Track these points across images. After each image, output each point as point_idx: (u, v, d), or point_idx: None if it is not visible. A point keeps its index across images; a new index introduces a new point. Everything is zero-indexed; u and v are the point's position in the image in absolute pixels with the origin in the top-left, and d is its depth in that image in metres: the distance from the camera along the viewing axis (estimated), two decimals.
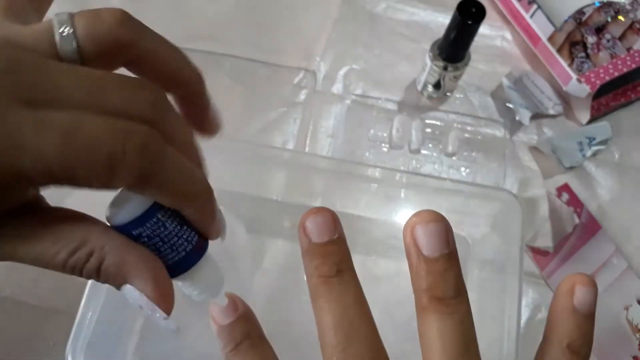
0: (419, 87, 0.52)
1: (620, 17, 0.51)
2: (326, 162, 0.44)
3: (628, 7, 0.51)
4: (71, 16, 0.20)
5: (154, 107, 0.19)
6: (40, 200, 0.21)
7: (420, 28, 0.56)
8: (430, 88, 0.51)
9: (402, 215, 0.45)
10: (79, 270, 0.19)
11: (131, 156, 0.18)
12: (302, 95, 0.52)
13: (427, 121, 0.52)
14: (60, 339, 0.36)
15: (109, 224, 0.21)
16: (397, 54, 0.54)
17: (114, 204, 0.21)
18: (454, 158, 0.51)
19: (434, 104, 0.53)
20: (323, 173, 0.44)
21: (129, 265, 0.20)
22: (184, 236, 0.22)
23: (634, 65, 0.49)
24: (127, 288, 0.20)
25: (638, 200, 0.49)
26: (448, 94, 0.53)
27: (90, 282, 0.37)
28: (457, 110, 0.52)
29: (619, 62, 0.49)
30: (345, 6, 0.56)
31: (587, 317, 0.21)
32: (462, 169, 0.50)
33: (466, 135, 0.51)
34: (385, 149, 0.51)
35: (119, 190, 0.20)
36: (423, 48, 0.51)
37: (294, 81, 0.53)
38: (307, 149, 0.50)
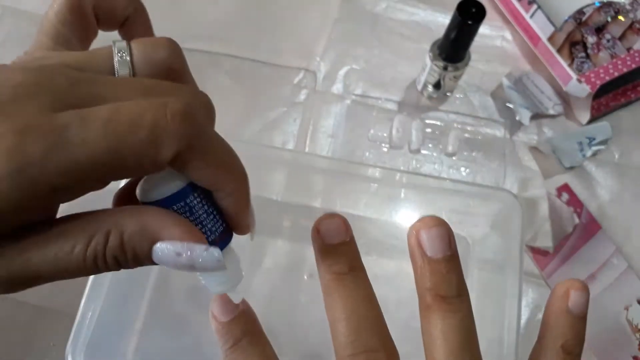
0: (419, 87, 0.52)
1: (621, 17, 0.51)
2: (326, 162, 0.44)
3: (628, 7, 0.51)
4: (129, 44, 0.21)
5: (207, 108, 0.21)
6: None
7: (420, 28, 0.56)
8: (430, 88, 0.51)
9: (402, 215, 0.45)
10: (102, 258, 0.19)
11: (174, 122, 0.18)
12: (302, 95, 0.52)
13: (427, 121, 0.52)
14: (60, 339, 0.36)
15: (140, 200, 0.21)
16: (397, 54, 0.54)
17: (147, 181, 0.21)
18: (454, 158, 0.51)
19: (434, 104, 0.53)
20: (323, 173, 0.44)
21: (150, 224, 0.19)
22: (211, 224, 0.21)
23: (634, 65, 0.49)
24: (158, 248, 0.19)
25: (638, 200, 0.49)
26: (448, 94, 0.53)
27: (90, 282, 0.37)
28: (457, 110, 0.52)
29: (619, 62, 0.49)
30: (345, 6, 0.56)
31: (581, 319, 0.23)
32: (462, 169, 0.50)
33: (466, 135, 0.51)
34: (385, 149, 0.51)
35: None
36: (423, 48, 0.51)
37: (294, 81, 0.53)
38: (307, 149, 0.50)
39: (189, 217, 0.21)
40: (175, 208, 0.20)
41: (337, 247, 0.24)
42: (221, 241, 0.22)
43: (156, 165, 0.18)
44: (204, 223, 0.21)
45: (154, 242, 0.19)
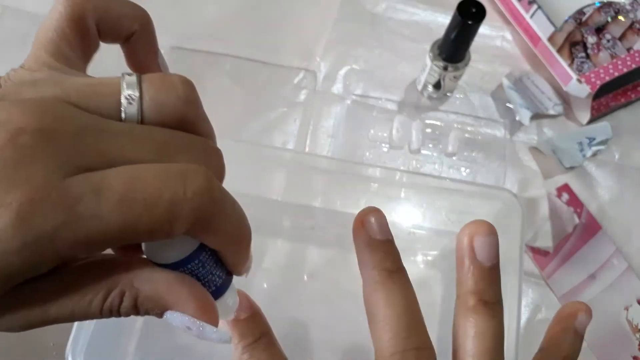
0: (419, 87, 0.52)
1: (621, 17, 0.51)
2: (326, 162, 0.44)
3: (628, 7, 0.51)
4: (139, 81, 0.19)
5: (219, 173, 0.20)
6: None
7: (420, 28, 0.56)
8: (430, 88, 0.51)
9: (402, 215, 0.45)
10: (116, 312, 0.19)
11: (193, 200, 0.17)
12: (302, 95, 0.52)
13: (427, 121, 0.52)
14: (60, 339, 0.36)
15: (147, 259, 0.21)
16: (397, 54, 0.54)
17: (157, 243, 0.21)
18: (454, 158, 0.51)
19: (434, 104, 0.53)
20: (323, 173, 0.44)
21: (165, 293, 0.19)
22: (217, 273, 0.22)
23: (634, 65, 0.49)
24: (170, 314, 0.20)
25: (638, 200, 0.49)
26: (448, 94, 0.53)
27: None
28: (457, 110, 0.52)
29: (619, 62, 0.49)
30: (345, 6, 0.56)
31: (581, 339, 0.26)
32: (462, 169, 0.50)
33: (466, 135, 0.51)
34: (385, 149, 0.51)
35: None
36: (423, 48, 0.51)
37: (294, 81, 0.53)
38: (307, 149, 0.50)
39: (201, 272, 0.21)
40: (188, 267, 0.21)
41: (385, 243, 0.23)
42: (226, 284, 0.23)
43: (168, 237, 0.18)
44: (212, 272, 0.22)
45: (166, 309, 0.20)
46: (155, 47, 0.25)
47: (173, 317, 0.20)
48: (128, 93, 0.19)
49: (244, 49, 0.54)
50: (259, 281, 0.43)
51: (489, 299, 0.23)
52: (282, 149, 0.49)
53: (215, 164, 0.20)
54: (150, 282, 0.19)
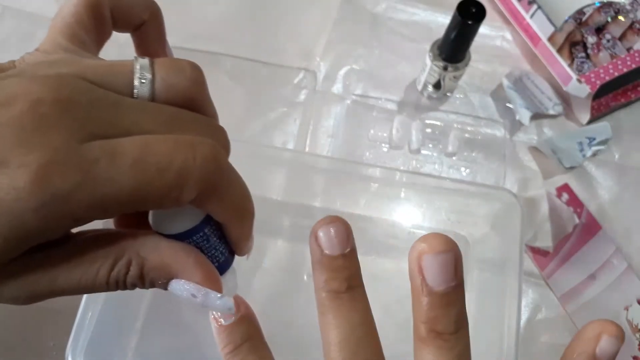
0: (419, 87, 0.52)
1: (621, 17, 0.51)
2: (326, 162, 0.44)
3: (628, 7, 0.51)
4: (152, 63, 0.20)
5: (225, 148, 0.21)
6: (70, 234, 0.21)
7: (420, 28, 0.56)
8: (430, 88, 0.51)
9: (402, 214, 0.45)
10: (122, 283, 0.20)
11: (202, 167, 0.18)
12: (302, 95, 0.52)
13: (427, 121, 0.52)
14: (60, 339, 0.36)
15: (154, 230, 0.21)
16: (397, 54, 0.54)
17: (164, 214, 0.21)
18: (454, 158, 0.51)
19: (434, 104, 0.53)
20: (323, 173, 0.44)
21: (170, 262, 0.20)
22: (220, 249, 0.22)
23: (634, 65, 0.49)
24: (175, 283, 0.20)
25: (638, 200, 0.49)
26: (448, 94, 0.53)
27: None
28: (457, 110, 0.52)
29: (619, 62, 0.49)
30: (345, 6, 0.56)
31: None
32: (462, 169, 0.50)
33: (466, 135, 0.51)
34: (385, 149, 0.51)
35: None
36: (423, 48, 0.51)
37: (294, 81, 0.53)
38: (307, 149, 0.50)
39: (205, 245, 0.22)
40: (194, 239, 0.21)
41: (337, 259, 0.22)
42: (228, 262, 0.23)
43: (177, 204, 0.19)
44: (216, 248, 0.22)
45: (172, 278, 0.20)
46: (164, 36, 0.26)
47: (178, 285, 0.20)
48: (141, 73, 0.20)
49: (244, 49, 0.54)
50: (258, 281, 0.43)
51: (443, 329, 0.20)
52: (282, 149, 0.49)
53: (221, 139, 0.22)
54: (157, 251, 0.20)
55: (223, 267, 0.23)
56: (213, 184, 0.19)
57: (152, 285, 0.20)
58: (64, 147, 0.17)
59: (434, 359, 0.20)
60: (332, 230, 0.22)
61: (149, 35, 0.25)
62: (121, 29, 0.24)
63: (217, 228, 0.22)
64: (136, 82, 0.20)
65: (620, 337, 0.22)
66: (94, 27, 0.23)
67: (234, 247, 0.23)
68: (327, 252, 0.22)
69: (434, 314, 0.20)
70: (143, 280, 0.20)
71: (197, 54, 0.53)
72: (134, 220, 0.23)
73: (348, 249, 0.22)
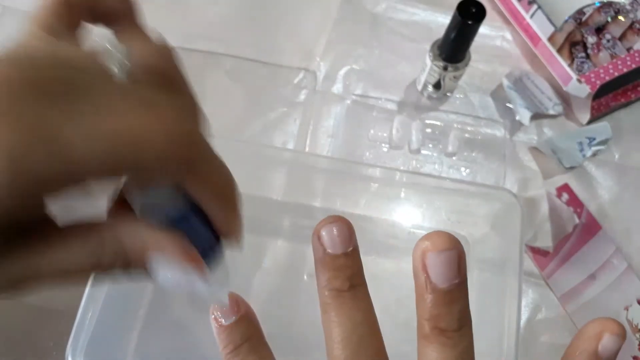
0: (419, 87, 0.52)
1: (621, 17, 0.51)
2: (326, 162, 0.44)
3: (628, 7, 0.51)
4: (123, 45, 0.21)
5: (199, 124, 0.21)
6: (48, 219, 0.21)
7: (420, 28, 0.56)
8: (430, 88, 0.51)
9: (402, 214, 0.45)
10: (105, 267, 0.20)
11: (177, 141, 0.18)
12: (302, 95, 0.52)
13: (427, 121, 0.52)
14: (60, 339, 0.36)
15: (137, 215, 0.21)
16: (397, 54, 0.54)
17: (144, 196, 0.21)
18: (454, 158, 0.51)
19: (434, 104, 0.53)
20: (323, 173, 0.44)
21: (151, 245, 0.20)
22: (205, 235, 0.22)
23: (634, 65, 0.49)
24: (161, 271, 0.20)
25: (638, 200, 0.49)
26: (448, 94, 0.53)
27: (90, 282, 0.37)
28: (457, 110, 0.52)
29: (619, 62, 0.49)
30: (345, 6, 0.56)
31: None
32: (462, 169, 0.50)
33: (466, 135, 0.51)
34: (385, 149, 0.51)
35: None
36: (423, 48, 0.51)
37: (294, 81, 0.53)
38: (307, 149, 0.50)
39: (189, 230, 0.21)
40: (177, 225, 0.21)
41: (339, 258, 0.22)
42: (214, 249, 0.23)
43: (151, 179, 0.19)
44: (200, 233, 0.22)
45: (153, 264, 0.20)
46: (143, 26, 0.26)
47: (164, 273, 0.20)
48: (113, 56, 0.20)
49: (244, 49, 0.54)
50: (258, 281, 0.43)
51: (447, 326, 0.20)
52: (282, 149, 0.49)
53: (195, 115, 0.21)
54: (138, 237, 0.20)
55: (208, 253, 0.23)
56: (189, 159, 0.19)
57: (136, 268, 0.20)
58: (34, 121, 0.17)
59: (438, 356, 0.20)
60: (334, 229, 0.22)
61: (127, 27, 0.25)
62: (96, 20, 0.24)
63: (203, 214, 0.22)
64: (110, 62, 0.20)
65: (622, 335, 0.22)
66: (67, 17, 0.23)
67: (218, 231, 0.23)
68: (329, 250, 0.22)
69: (438, 311, 0.20)
70: (126, 265, 0.20)
71: (197, 54, 0.53)
72: (125, 210, 0.23)
73: (350, 248, 0.22)
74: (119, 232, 0.20)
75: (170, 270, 0.20)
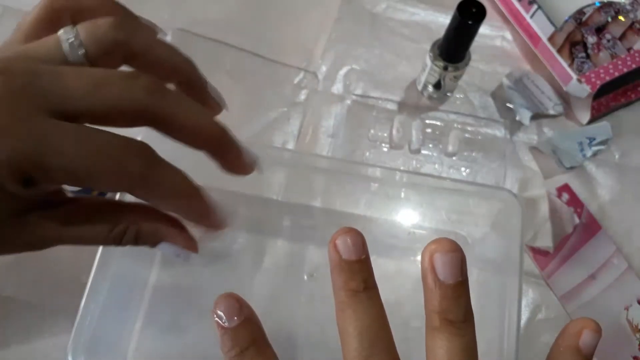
0: (419, 87, 0.52)
1: (621, 17, 0.51)
2: (326, 162, 0.44)
3: (628, 7, 0.51)
4: (74, 27, 0.23)
5: (149, 92, 0.23)
6: (63, 192, 0.26)
7: (420, 28, 0.56)
8: (430, 88, 0.51)
9: (402, 214, 0.45)
10: (118, 242, 0.25)
11: (134, 160, 0.22)
12: (303, 95, 0.52)
13: (427, 121, 0.52)
14: (60, 339, 0.36)
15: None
16: (397, 54, 0.54)
17: None
18: (454, 158, 0.51)
19: (434, 104, 0.53)
20: (323, 173, 0.44)
21: (161, 230, 0.26)
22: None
23: (634, 65, 0.49)
24: (163, 245, 0.26)
25: (638, 200, 0.49)
26: (448, 94, 0.53)
27: (90, 281, 0.37)
28: (458, 110, 0.52)
29: (619, 62, 0.49)
30: (345, 6, 0.56)
31: (587, 358, 0.24)
32: (463, 169, 0.50)
33: (466, 135, 0.51)
34: (385, 149, 0.51)
35: None
36: (423, 48, 0.51)
37: (294, 81, 0.53)
38: (307, 149, 0.50)
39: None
40: None
41: (354, 263, 0.24)
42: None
43: (116, 189, 0.24)
44: None
45: (160, 241, 0.27)
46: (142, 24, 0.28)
47: (165, 247, 0.26)
48: (68, 39, 0.23)
49: (243, 49, 0.54)
50: (258, 281, 0.43)
51: (454, 317, 0.23)
52: (282, 149, 0.49)
53: (142, 87, 0.23)
54: (151, 220, 0.26)
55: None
56: (146, 175, 0.23)
57: (145, 244, 0.26)
58: (10, 114, 0.20)
59: (448, 344, 0.22)
60: (348, 239, 0.24)
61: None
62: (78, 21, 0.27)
63: None
64: (65, 46, 0.23)
65: (599, 331, 0.24)
66: (48, 23, 0.25)
67: (198, 224, 0.27)
68: (345, 257, 0.24)
69: (447, 303, 0.22)
70: (137, 241, 0.26)
71: (197, 54, 0.52)
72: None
73: (363, 256, 0.24)
74: (137, 216, 0.25)
75: (173, 248, 0.26)
